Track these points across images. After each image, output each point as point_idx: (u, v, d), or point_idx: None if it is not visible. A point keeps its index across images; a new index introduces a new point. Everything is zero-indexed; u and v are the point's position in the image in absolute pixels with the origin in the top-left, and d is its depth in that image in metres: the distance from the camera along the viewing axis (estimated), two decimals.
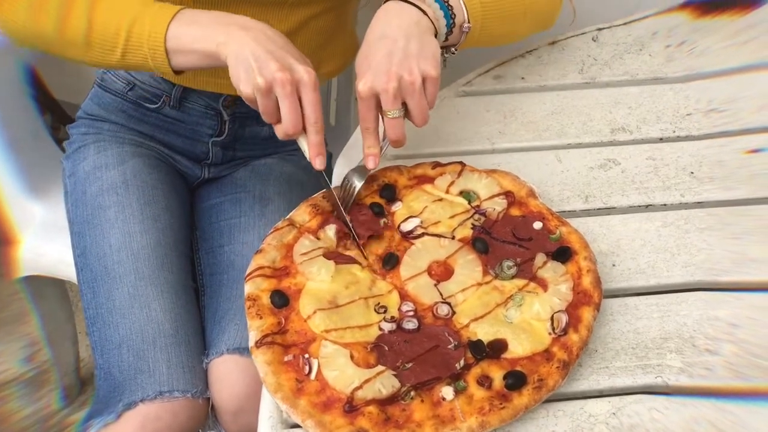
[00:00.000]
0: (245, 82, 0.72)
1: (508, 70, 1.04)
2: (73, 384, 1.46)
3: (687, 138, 0.94)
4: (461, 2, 0.81)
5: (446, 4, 0.80)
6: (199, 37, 0.74)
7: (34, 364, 1.53)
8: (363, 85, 0.74)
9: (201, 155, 1.05)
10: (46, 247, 1.08)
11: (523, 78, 1.03)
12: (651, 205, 0.85)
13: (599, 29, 1.11)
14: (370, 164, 0.78)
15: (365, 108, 0.75)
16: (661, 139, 0.94)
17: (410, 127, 0.96)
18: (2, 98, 1.06)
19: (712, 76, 1.03)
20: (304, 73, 0.72)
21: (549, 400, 0.66)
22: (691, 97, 1.00)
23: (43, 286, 1.20)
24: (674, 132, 0.95)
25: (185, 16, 0.76)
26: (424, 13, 0.77)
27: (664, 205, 0.85)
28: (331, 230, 0.76)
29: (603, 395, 0.67)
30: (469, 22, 0.81)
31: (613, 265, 0.78)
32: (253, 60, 0.71)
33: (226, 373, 0.85)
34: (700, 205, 0.85)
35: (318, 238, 0.75)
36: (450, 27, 0.80)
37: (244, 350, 0.85)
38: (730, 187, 0.86)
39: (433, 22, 0.78)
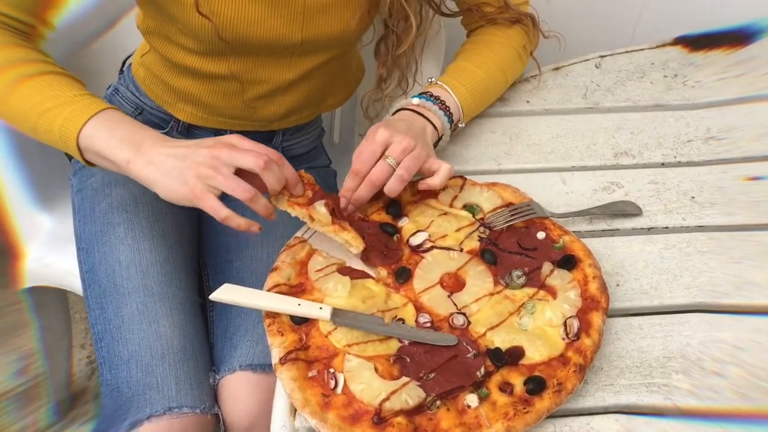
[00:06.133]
0: (182, 187, 0.72)
1: (513, 93, 1.06)
2: (65, 398, 1.44)
3: (688, 164, 0.96)
4: (456, 102, 0.91)
5: (447, 111, 0.89)
6: (110, 146, 0.75)
7: (25, 378, 1.51)
8: (382, 134, 0.78)
9: None
10: (53, 257, 1.08)
11: (528, 102, 1.05)
12: (653, 228, 0.87)
13: (602, 56, 1.14)
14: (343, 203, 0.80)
15: (371, 152, 0.78)
16: (662, 164, 0.96)
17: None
18: None
19: (709, 106, 1.05)
20: (228, 137, 0.74)
21: (554, 416, 0.66)
22: (690, 124, 1.02)
23: (45, 298, 1.19)
24: (675, 158, 0.97)
25: (106, 117, 0.76)
26: (433, 125, 0.87)
27: (666, 228, 0.87)
28: (321, 206, 0.76)
29: (608, 412, 0.68)
30: (462, 122, 0.93)
31: (617, 285, 0.79)
32: (180, 161, 0.72)
33: (238, 390, 0.85)
34: (701, 229, 0.86)
35: (312, 218, 0.76)
36: (451, 128, 0.91)
37: (256, 367, 0.85)
38: (730, 212, 0.88)
39: (438, 131, 0.88)
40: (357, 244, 0.75)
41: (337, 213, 0.77)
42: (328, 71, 0.98)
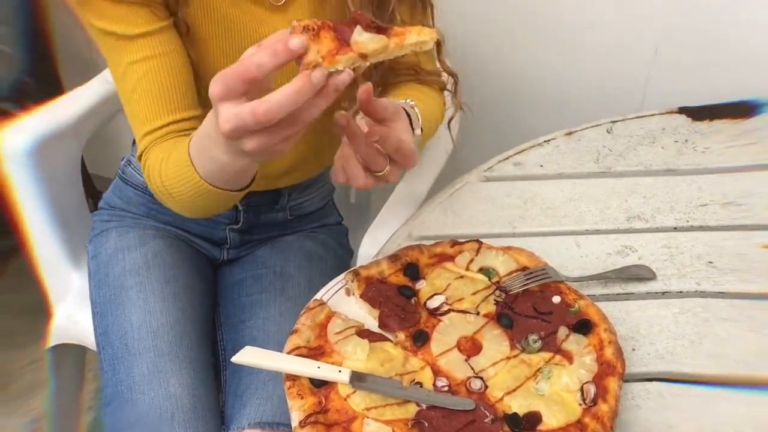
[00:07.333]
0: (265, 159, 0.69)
1: (527, 157, 1.08)
2: None
3: (701, 228, 0.96)
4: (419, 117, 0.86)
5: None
6: (216, 170, 0.74)
7: None
8: None
9: (220, 240, 1.09)
10: (81, 315, 1.09)
11: (541, 166, 1.07)
12: (667, 292, 0.87)
13: (613, 122, 1.16)
14: None
15: None
16: (675, 228, 0.96)
17: (436, 211, 0.99)
18: (57, 176, 1.12)
19: (721, 171, 1.06)
20: (214, 85, 0.62)
21: None
22: (703, 189, 1.03)
23: (65, 355, 1.20)
24: (688, 222, 0.97)
25: (195, 155, 0.75)
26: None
27: (680, 292, 0.87)
28: (360, 35, 0.62)
29: None
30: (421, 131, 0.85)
31: (633, 350, 0.79)
32: (239, 157, 0.69)
33: None
34: (721, 294, 0.86)
35: (364, 55, 0.62)
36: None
37: (265, 425, 0.85)
38: (750, 280, 0.88)
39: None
40: (428, 34, 0.63)
41: (374, 26, 0.62)
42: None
